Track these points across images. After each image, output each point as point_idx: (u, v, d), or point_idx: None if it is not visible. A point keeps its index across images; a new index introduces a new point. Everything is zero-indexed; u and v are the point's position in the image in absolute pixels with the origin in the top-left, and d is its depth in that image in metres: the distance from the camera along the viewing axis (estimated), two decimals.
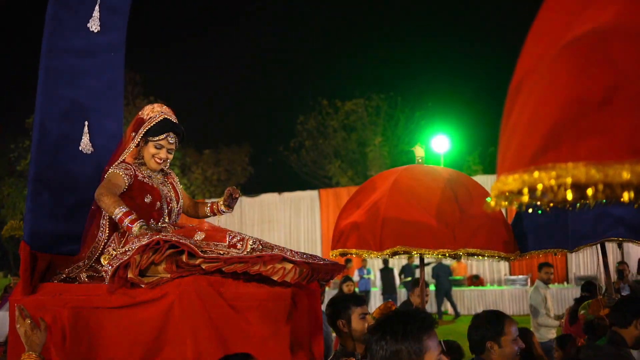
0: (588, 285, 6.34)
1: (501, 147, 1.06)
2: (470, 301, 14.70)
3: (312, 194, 18.20)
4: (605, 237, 3.23)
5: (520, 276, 14.95)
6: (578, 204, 1.10)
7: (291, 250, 2.62)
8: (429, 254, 3.17)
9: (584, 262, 14.28)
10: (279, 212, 18.16)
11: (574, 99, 0.97)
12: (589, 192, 0.93)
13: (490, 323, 2.55)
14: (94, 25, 3.34)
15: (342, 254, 3.40)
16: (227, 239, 2.59)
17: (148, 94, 19.76)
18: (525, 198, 0.96)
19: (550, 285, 14.36)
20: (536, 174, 0.94)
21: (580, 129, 0.95)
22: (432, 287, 13.56)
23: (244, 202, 17.72)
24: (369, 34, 33.80)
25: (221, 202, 3.20)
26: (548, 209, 1.11)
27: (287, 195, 18.26)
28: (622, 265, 10.33)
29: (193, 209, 3.31)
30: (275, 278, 2.48)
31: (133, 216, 2.69)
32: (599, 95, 0.95)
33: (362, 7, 33.60)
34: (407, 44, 31.61)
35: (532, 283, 15.19)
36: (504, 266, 15.62)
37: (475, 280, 15.61)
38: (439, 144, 16.87)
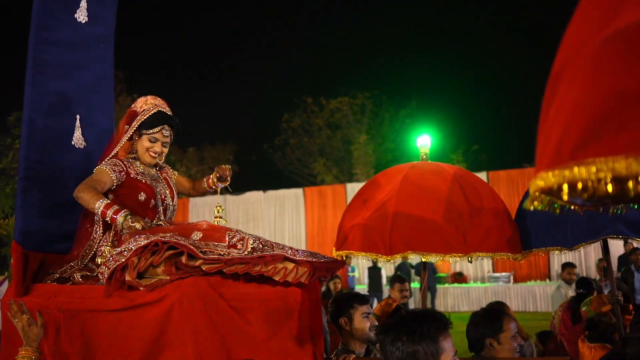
0: (583, 282, 6.38)
1: (540, 142, 1.04)
2: (454, 298, 14.80)
3: (297, 192, 18.18)
4: (604, 235, 3.22)
5: (504, 273, 15.11)
6: (611, 209, 1.08)
7: (292, 249, 2.57)
8: (440, 259, 3.10)
9: (566, 259, 14.46)
10: (263, 211, 18.11)
11: (614, 92, 0.95)
12: (630, 184, 0.92)
13: (488, 321, 2.56)
14: (81, 15, 3.26)
15: (348, 256, 3.31)
16: (227, 238, 2.52)
17: (132, 91, 19.51)
18: (566, 195, 0.94)
19: (531, 283, 14.62)
20: (576, 169, 0.92)
21: (620, 122, 0.93)
22: (416, 285, 13.63)
23: (228, 200, 17.63)
24: (354, 33, 33.84)
25: (214, 178, 3.12)
26: (582, 211, 1.09)
27: (271, 193, 18.21)
28: (602, 262, 10.47)
29: (193, 190, 3.24)
30: (276, 278, 2.43)
31: (115, 207, 2.62)
32: (639, 88, 0.93)
33: (347, 6, 33.63)
34: (392, 43, 31.73)
35: (515, 280, 15.40)
36: (487, 263, 15.78)
37: (459, 277, 15.72)
38: (423, 142, 16.96)
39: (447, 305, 14.56)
